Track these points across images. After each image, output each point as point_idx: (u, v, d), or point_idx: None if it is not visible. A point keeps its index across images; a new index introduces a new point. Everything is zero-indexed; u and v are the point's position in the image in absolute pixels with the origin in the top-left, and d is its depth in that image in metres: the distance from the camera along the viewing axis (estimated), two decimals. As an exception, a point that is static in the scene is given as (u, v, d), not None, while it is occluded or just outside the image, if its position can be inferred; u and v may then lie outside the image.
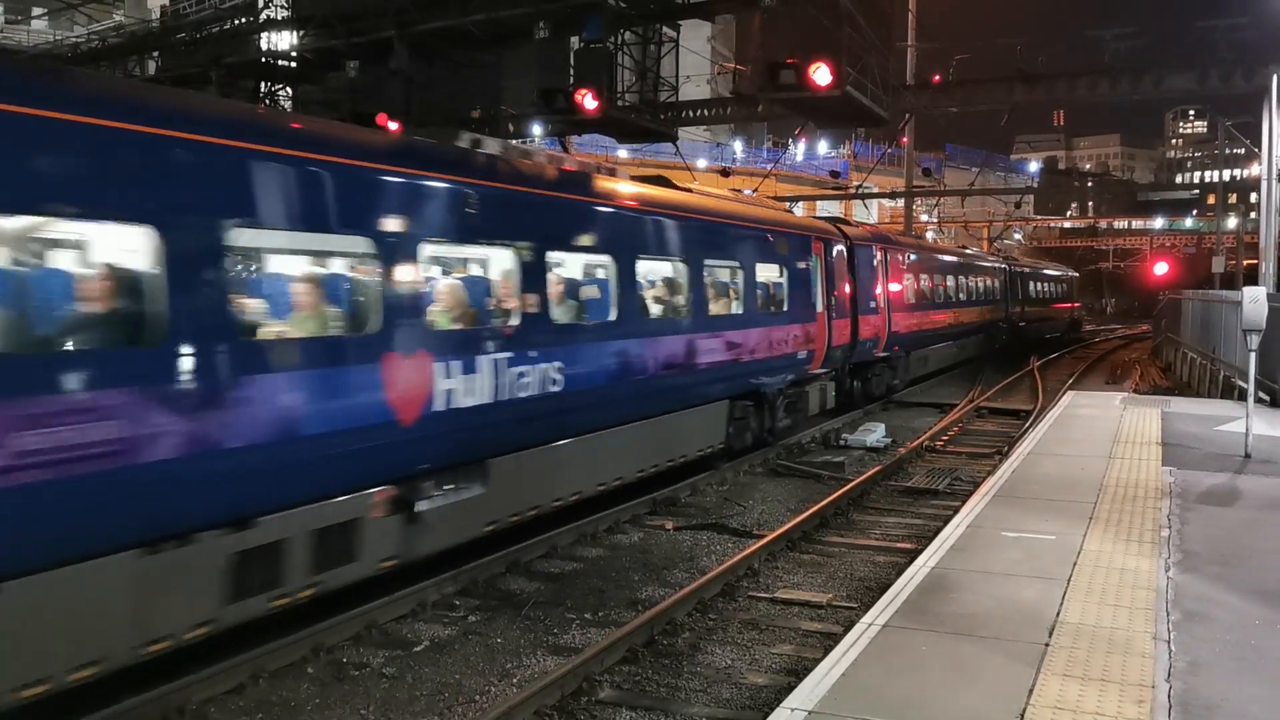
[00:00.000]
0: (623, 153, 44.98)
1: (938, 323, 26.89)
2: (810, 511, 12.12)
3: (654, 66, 19.99)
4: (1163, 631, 6.47)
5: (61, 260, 6.90)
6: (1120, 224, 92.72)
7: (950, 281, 28.94)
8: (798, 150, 63.22)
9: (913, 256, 24.95)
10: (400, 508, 8.66)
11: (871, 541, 11.42)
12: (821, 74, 14.75)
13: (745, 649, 8.18)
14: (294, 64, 22.49)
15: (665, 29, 20.04)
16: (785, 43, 15.98)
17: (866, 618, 6.82)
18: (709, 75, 50.44)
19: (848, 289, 19.46)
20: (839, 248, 19.05)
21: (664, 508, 12.81)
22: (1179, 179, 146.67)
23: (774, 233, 16.00)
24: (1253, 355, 12.79)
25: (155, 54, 26.28)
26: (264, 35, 23.60)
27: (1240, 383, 16.41)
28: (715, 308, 14.01)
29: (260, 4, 24.52)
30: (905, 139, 46.02)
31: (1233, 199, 43.40)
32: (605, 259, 11.78)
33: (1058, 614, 6.81)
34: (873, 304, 20.97)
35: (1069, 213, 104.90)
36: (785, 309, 16.11)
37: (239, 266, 7.81)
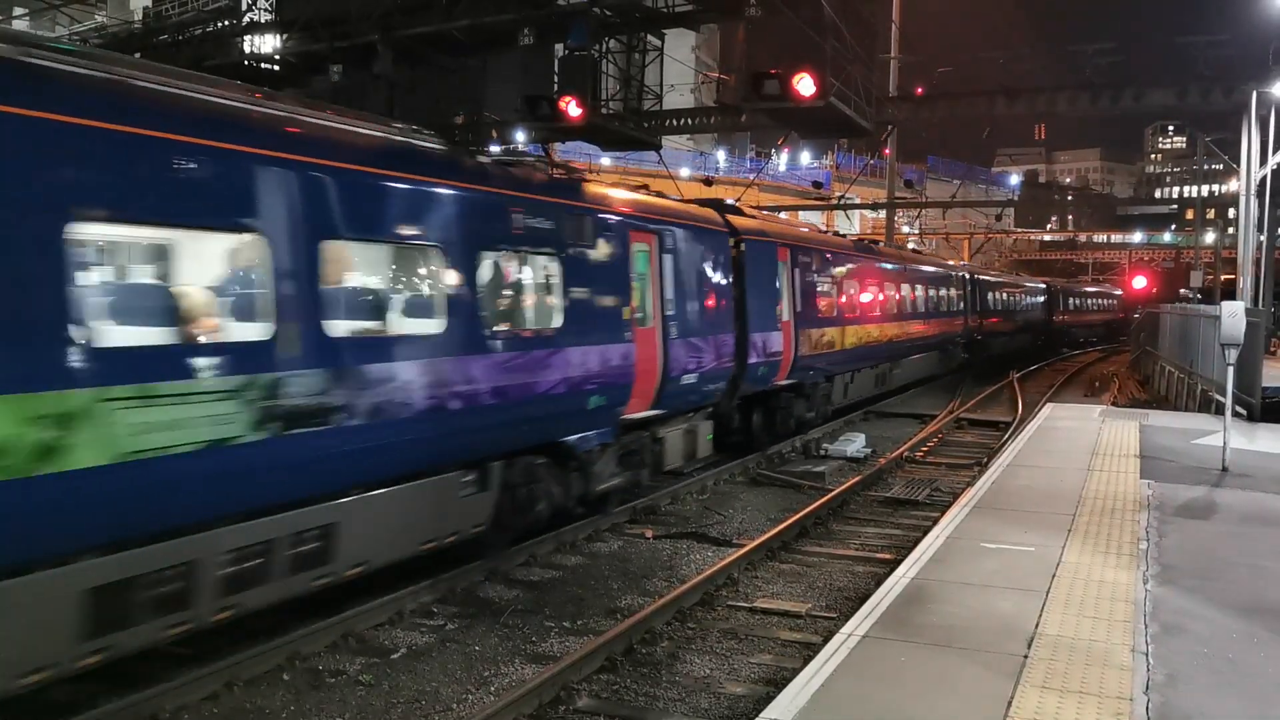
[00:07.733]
0: (606, 160, 45.00)
1: None
2: (790, 521, 12.12)
3: (638, 75, 19.99)
4: (1141, 644, 6.48)
5: None
6: (1099, 238, 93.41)
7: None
8: (780, 160, 63.41)
9: None
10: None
11: (851, 551, 11.43)
12: (805, 84, 14.74)
13: (724, 658, 8.16)
14: (277, 67, 22.36)
15: (650, 37, 20.04)
16: (769, 53, 16.00)
17: (846, 628, 6.81)
18: (693, 84, 50.58)
19: None
20: None
21: (644, 516, 12.78)
22: (1158, 194, 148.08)
23: None
24: (1230, 369, 12.87)
25: (137, 55, 26.11)
26: (247, 38, 23.46)
27: (1217, 396, 16.51)
28: None
29: (244, 7, 24.39)
30: (888, 150, 46.27)
31: (1211, 214, 43.72)
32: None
33: (1036, 626, 6.81)
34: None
35: (1049, 226, 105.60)
36: None
37: None
